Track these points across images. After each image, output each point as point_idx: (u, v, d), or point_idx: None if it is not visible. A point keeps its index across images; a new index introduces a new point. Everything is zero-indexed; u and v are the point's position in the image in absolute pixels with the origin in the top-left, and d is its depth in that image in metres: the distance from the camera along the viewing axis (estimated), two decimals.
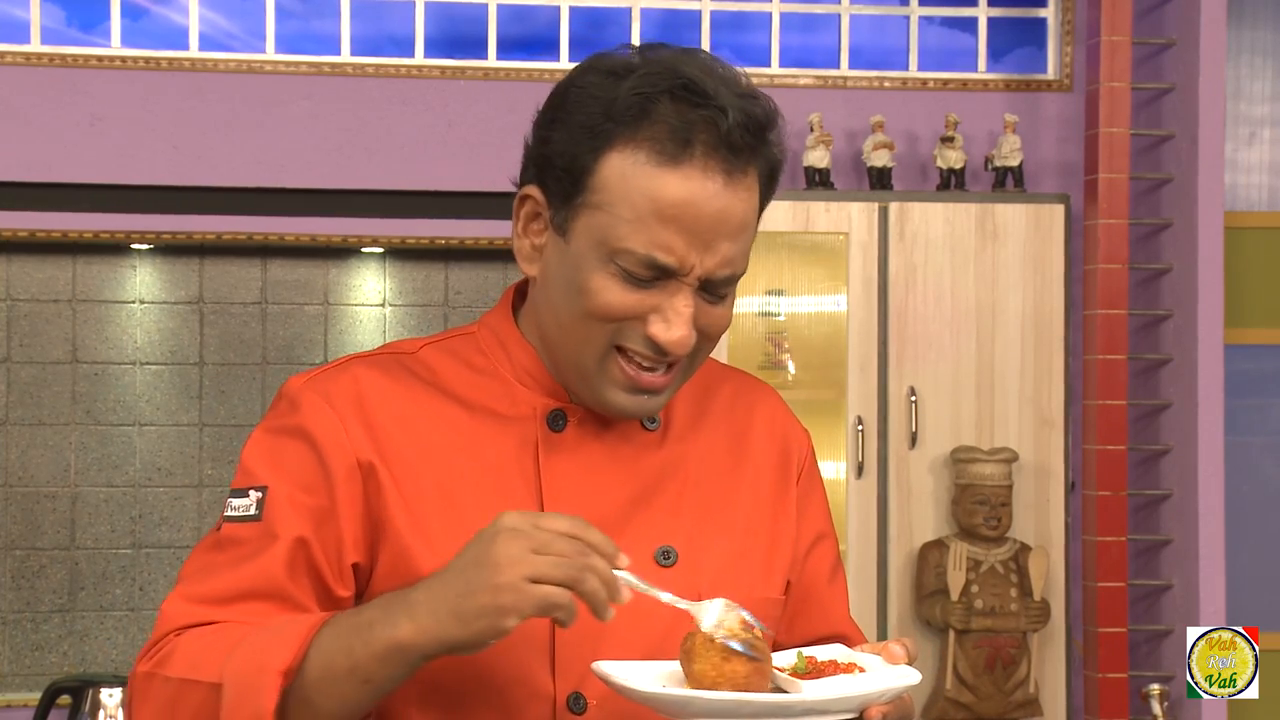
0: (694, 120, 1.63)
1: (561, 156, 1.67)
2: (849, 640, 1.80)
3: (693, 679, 1.55)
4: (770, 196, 1.72)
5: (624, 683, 1.56)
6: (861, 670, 1.61)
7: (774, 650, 1.63)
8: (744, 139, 1.65)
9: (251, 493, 1.69)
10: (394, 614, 1.55)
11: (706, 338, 1.70)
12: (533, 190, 1.70)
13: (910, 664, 1.64)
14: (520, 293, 1.80)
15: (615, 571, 1.53)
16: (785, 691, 1.58)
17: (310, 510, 1.67)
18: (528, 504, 1.70)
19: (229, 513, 1.70)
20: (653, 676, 1.59)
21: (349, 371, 1.74)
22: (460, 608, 1.52)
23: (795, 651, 1.63)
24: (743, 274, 1.70)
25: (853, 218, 4.51)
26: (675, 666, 1.59)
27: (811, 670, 1.60)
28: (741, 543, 1.77)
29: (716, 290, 1.67)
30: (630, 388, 1.68)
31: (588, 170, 1.65)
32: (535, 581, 1.50)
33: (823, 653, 1.64)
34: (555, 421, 1.73)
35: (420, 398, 1.73)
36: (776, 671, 1.59)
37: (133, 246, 4.65)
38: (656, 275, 1.64)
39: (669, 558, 1.73)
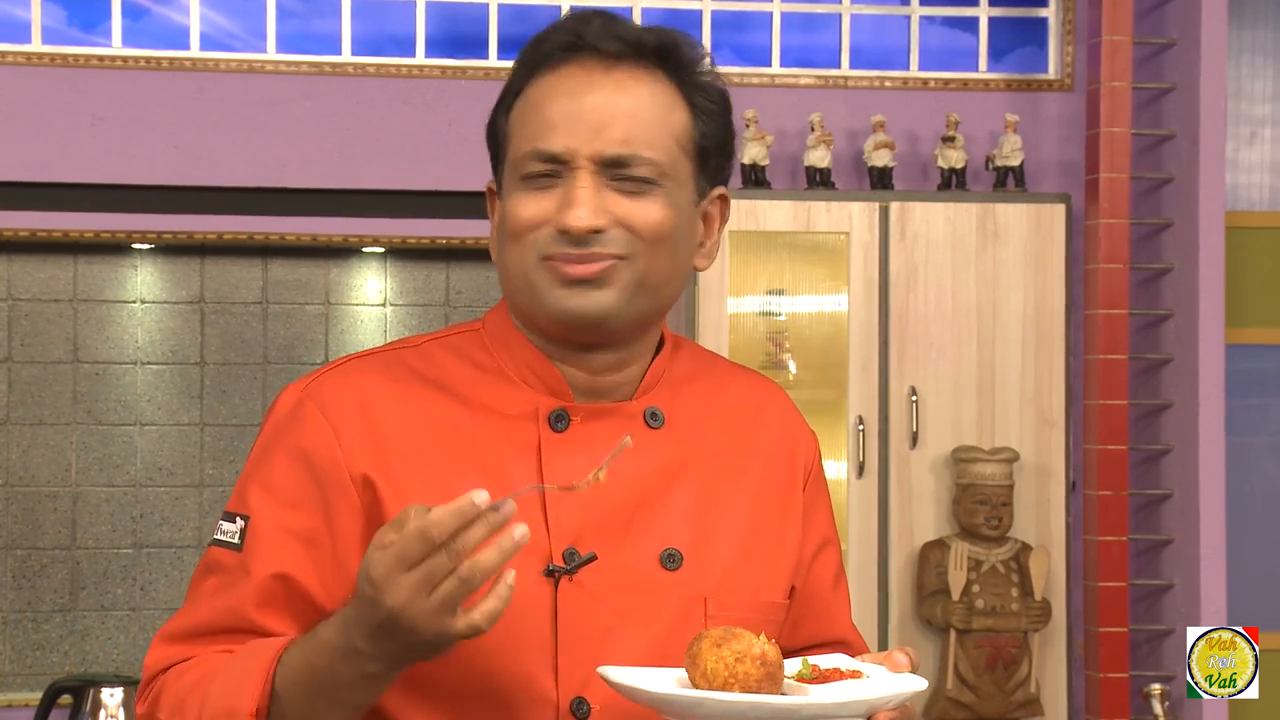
0: (574, 33, 1.70)
1: (493, 127, 1.77)
2: (851, 647, 1.80)
3: (704, 680, 1.54)
4: (718, 128, 1.73)
5: (634, 684, 1.55)
6: (867, 678, 1.61)
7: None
8: (629, 36, 1.70)
9: (238, 519, 1.70)
10: (355, 668, 1.54)
11: (637, 235, 1.68)
12: (491, 181, 1.79)
13: (914, 673, 1.64)
14: None
15: (479, 502, 1.46)
16: None
17: (299, 534, 1.67)
18: (530, 504, 1.69)
19: (218, 535, 1.71)
20: (660, 680, 1.58)
21: (346, 375, 1.74)
22: (408, 656, 1.53)
23: (800, 659, 1.63)
24: (656, 162, 1.68)
25: (854, 217, 4.51)
26: (681, 673, 1.59)
27: (817, 677, 1.60)
28: (747, 545, 1.77)
29: (623, 174, 1.67)
30: (563, 281, 1.68)
31: (505, 122, 1.74)
32: (449, 612, 1.48)
33: (826, 661, 1.64)
34: (557, 421, 1.72)
35: (421, 396, 1.72)
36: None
37: (133, 246, 4.65)
38: (550, 167, 1.68)
39: (674, 560, 1.72)
